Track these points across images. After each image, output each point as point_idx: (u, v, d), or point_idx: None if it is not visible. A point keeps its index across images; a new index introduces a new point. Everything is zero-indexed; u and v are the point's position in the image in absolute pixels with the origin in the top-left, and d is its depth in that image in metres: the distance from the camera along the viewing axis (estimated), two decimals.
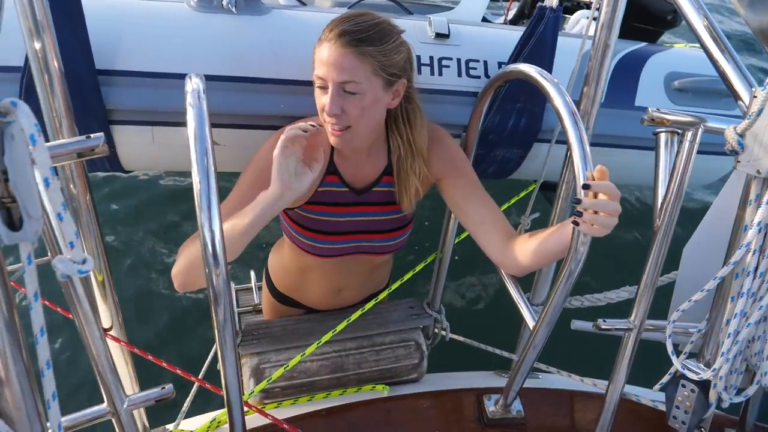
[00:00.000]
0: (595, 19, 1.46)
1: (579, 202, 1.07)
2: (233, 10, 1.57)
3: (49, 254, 0.91)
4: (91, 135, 0.92)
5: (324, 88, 1.29)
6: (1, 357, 0.67)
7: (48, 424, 0.76)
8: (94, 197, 1.32)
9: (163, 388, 1.07)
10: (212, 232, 0.91)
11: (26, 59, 1.35)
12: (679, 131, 1.17)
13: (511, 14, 3.33)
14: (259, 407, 1.64)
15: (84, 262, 0.76)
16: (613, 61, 1.82)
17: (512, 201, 2.27)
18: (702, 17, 1.09)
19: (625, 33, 2.54)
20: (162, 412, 1.77)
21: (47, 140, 1.27)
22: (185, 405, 1.62)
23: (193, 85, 1.04)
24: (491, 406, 1.61)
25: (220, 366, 1.06)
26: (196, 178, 0.91)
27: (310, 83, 1.49)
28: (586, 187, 1.07)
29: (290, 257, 1.72)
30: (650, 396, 1.55)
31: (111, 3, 1.55)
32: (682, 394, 1.29)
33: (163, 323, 3.26)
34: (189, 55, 1.53)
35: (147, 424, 1.67)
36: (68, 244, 0.74)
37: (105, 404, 1.04)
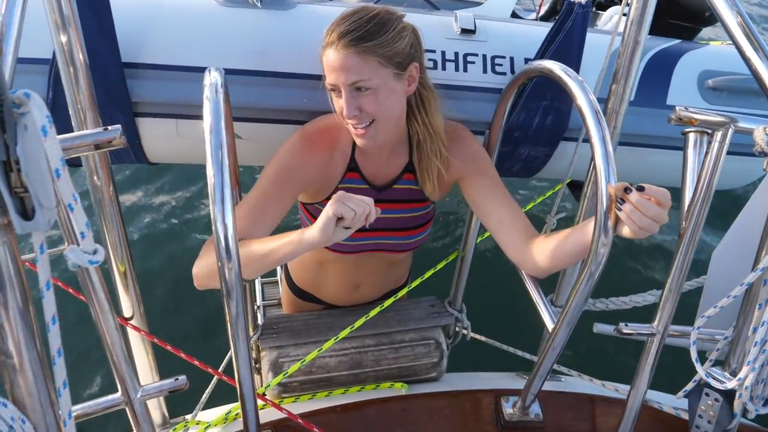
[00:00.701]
0: (625, 14, 1.42)
1: (629, 191, 1.05)
2: (258, 4, 1.58)
3: (65, 244, 0.93)
4: (110, 127, 0.92)
5: (337, 92, 1.29)
6: (15, 344, 0.68)
7: (60, 412, 0.77)
8: (117, 189, 1.33)
9: (177, 379, 1.08)
10: (225, 225, 0.91)
11: (54, 52, 1.37)
12: (709, 131, 1.13)
13: (543, 10, 3.28)
14: (277, 401, 1.65)
15: (95, 252, 0.77)
16: (644, 59, 1.78)
17: (538, 200, 2.24)
18: (735, 14, 1.05)
19: (661, 30, 2.50)
20: (184, 403, 1.79)
21: (72, 132, 1.29)
22: (204, 396, 1.63)
23: (212, 78, 1.04)
24: (509, 408, 1.59)
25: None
26: (210, 172, 0.92)
27: None
28: (641, 189, 1.06)
29: (309, 252, 1.71)
30: (673, 403, 1.51)
31: None
32: (705, 403, 1.26)
33: (189, 316, 3.30)
34: (214, 49, 1.54)
35: (167, 414, 1.69)
36: (80, 235, 0.74)
37: (119, 393, 1.05)
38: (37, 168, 0.63)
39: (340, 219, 1.11)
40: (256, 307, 2.43)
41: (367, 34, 1.24)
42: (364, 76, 1.25)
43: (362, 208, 1.11)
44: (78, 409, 1.03)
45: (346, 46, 1.23)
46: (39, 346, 0.73)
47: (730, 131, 1.07)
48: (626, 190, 1.06)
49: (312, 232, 1.15)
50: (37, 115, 0.63)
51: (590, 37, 1.64)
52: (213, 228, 0.92)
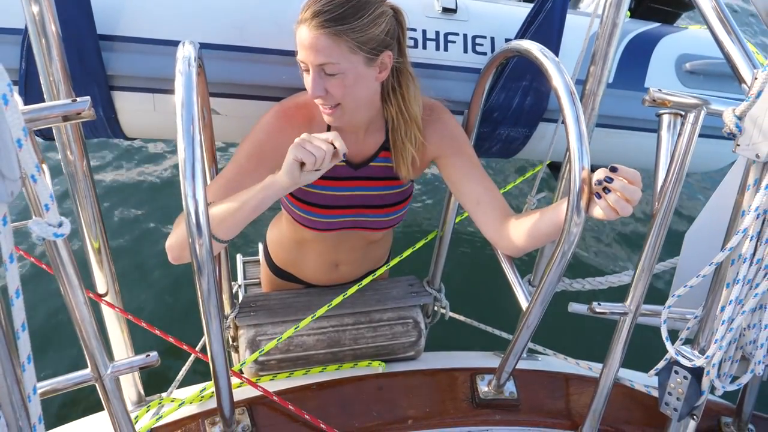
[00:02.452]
0: None
1: (611, 180, 1.06)
2: None
3: (33, 217, 0.91)
4: (78, 99, 0.91)
5: (307, 70, 1.27)
6: None
7: (25, 388, 0.76)
8: (90, 163, 1.32)
9: (148, 355, 1.08)
10: (196, 201, 0.90)
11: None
12: (682, 113, 1.14)
13: None
14: (254, 379, 1.65)
15: (60, 225, 0.77)
16: (624, 41, 1.78)
17: (518, 181, 2.25)
18: None
19: (643, 14, 2.50)
20: (161, 382, 1.79)
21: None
22: (180, 374, 1.64)
23: (185, 52, 1.03)
24: (484, 386, 1.61)
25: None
26: (181, 146, 0.91)
27: None
28: (614, 169, 1.07)
29: (288, 231, 1.72)
30: (644, 381, 1.54)
31: None
32: (674, 381, 1.28)
33: (170, 295, 3.28)
34: (192, 23, 1.52)
35: (142, 392, 1.69)
36: (44, 207, 0.74)
37: (89, 369, 1.04)
38: None
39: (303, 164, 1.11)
40: (237, 285, 2.43)
41: (340, 16, 1.20)
42: (333, 59, 1.22)
43: (320, 152, 1.10)
44: (45, 385, 1.03)
45: (317, 26, 1.20)
46: (3, 322, 0.72)
47: (703, 113, 1.08)
48: (606, 179, 1.07)
49: (280, 176, 1.15)
50: None
51: (571, 19, 1.64)
52: (183, 203, 0.91)
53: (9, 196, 0.64)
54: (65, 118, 0.90)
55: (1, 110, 0.62)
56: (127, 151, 4.23)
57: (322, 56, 1.22)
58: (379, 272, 1.80)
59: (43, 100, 1.25)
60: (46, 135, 1.49)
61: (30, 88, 1.43)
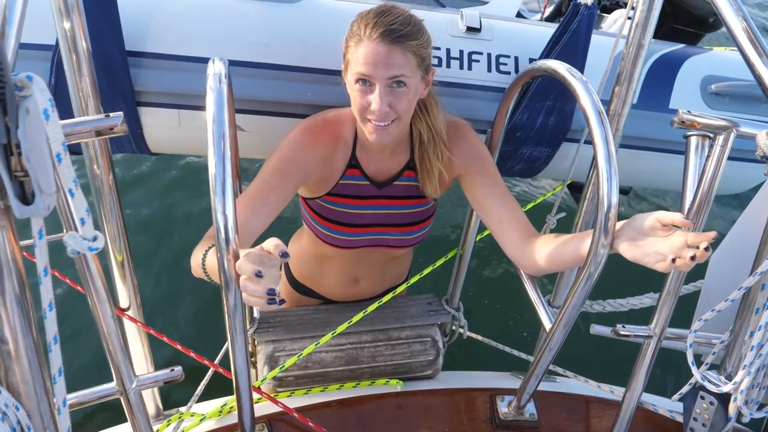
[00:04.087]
0: (630, 18, 1.42)
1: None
2: None
3: (64, 230, 0.92)
4: (111, 114, 0.92)
5: (367, 85, 1.28)
6: (11, 331, 0.68)
7: (54, 399, 0.77)
8: (117, 177, 1.33)
9: (172, 370, 1.08)
10: (225, 216, 0.91)
11: (57, 38, 1.36)
12: (711, 135, 1.13)
13: (548, 11, 3.28)
14: (272, 395, 1.65)
15: (95, 239, 0.77)
16: (648, 62, 1.78)
17: (539, 200, 2.24)
18: (740, 19, 1.05)
19: (666, 34, 2.50)
20: (179, 395, 1.79)
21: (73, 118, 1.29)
22: (199, 388, 1.63)
23: (216, 69, 1.04)
24: (504, 407, 1.59)
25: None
26: (211, 162, 0.91)
27: (337, 72, 1.49)
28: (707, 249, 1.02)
29: (309, 246, 1.72)
30: (668, 406, 1.52)
31: None
32: (700, 406, 1.26)
33: (187, 308, 3.29)
34: (219, 40, 1.54)
35: (161, 406, 1.69)
36: (80, 221, 0.74)
37: (114, 383, 1.04)
38: (37, 152, 0.62)
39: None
40: None
41: (410, 33, 1.25)
42: (405, 72, 1.26)
43: (256, 298, 0.91)
44: (73, 397, 1.03)
45: (392, 41, 1.23)
46: (35, 333, 0.73)
47: (732, 135, 1.07)
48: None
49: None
50: (39, 99, 0.62)
51: (595, 39, 1.64)
52: (213, 218, 0.91)
53: (46, 209, 0.64)
54: (98, 133, 0.91)
55: (41, 125, 0.63)
56: (152, 165, 4.26)
57: (396, 69, 1.25)
58: (399, 290, 1.80)
59: (71, 115, 1.26)
60: (73, 150, 1.51)
61: (60, 103, 1.44)
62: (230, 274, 0.94)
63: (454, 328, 2.06)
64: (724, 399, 1.22)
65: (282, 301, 0.90)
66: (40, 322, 0.71)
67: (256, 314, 1.79)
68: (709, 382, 1.19)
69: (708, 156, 1.13)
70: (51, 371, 0.76)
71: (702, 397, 1.25)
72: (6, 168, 0.60)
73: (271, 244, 0.91)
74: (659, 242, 1.07)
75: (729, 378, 1.21)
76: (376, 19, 1.25)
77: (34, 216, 0.64)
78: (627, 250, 1.12)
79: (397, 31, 1.24)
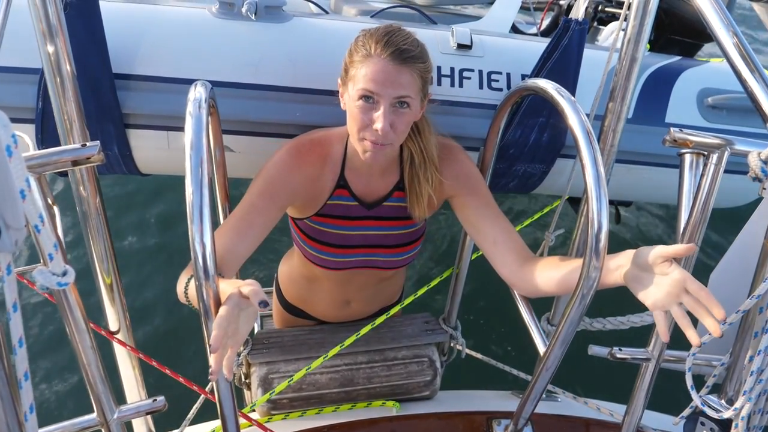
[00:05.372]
0: (623, 30, 1.40)
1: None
2: (253, 17, 1.56)
3: (40, 262, 0.90)
4: (88, 143, 0.90)
5: (371, 103, 1.25)
6: None
7: None
8: (104, 200, 1.32)
9: (155, 400, 1.06)
10: (203, 245, 0.89)
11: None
12: (705, 153, 1.11)
13: (545, 24, 3.26)
14: (266, 418, 1.62)
15: (65, 274, 0.75)
16: (643, 76, 1.76)
17: (536, 216, 2.22)
18: (731, 34, 1.03)
19: (663, 46, 2.48)
20: (172, 418, 1.76)
21: (61, 143, 1.28)
22: (190, 414, 1.60)
23: (196, 93, 1.02)
24: None
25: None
26: (189, 189, 0.89)
27: (326, 92, 1.47)
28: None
29: (299, 267, 1.70)
30: (669, 428, 1.48)
31: (132, 8, 1.56)
32: None
33: (179, 330, 3.26)
34: (207, 62, 1.53)
35: (153, 429, 1.66)
36: (48, 256, 0.72)
37: (95, 414, 1.02)
38: (3, 188, 0.61)
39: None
40: None
41: (419, 55, 1.25)
42: (411, 93, 1.25)
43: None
44: (51, 430, 1.01)
45: (402, 61, 1.22)
46: (7, 369, 0.71)
47: (726, 153, 1.05)
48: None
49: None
50: (2, 135, 0.61)
51: (588, 53, 1.62)
52: (191, 247, 0.89)
53: (13, 245, 0.62)
54: (75, 163, 0.89)
55: (4, 162, 0.61)
56: (140, 187, 4.25)
57: (403, 89, 1.23)
58: (393, 311, 1.77)
59: (57, 138, 1.25)
60: (61, 172, 1.50)
61: (46, 127, 1.44)
62: (208, 303, 0.92)
63: (452, 346, 2.02)
64: (725, 425, 1.19)
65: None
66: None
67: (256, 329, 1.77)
68: (710, 407, 1.16)
69: (702, 174, 1.10)
70: (23, 407, 0.74)
71: (702, 423, 1.22)
72: None
73: (250, 289, 0.89)
74: (661, 279, 1.06)
75: (730, 402, 1.18)
76: (386, 38, 1.24)
77: (1, 252, 0.63)
78: (632, 287, 1.13)
79: (408, 52, 1.23)
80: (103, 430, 1.04)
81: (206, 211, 0.89)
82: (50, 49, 1.15)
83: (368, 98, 1.25)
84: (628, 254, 1.15)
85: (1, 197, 0.61)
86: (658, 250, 1.06)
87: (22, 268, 1.22)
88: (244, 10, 1.55)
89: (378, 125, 1.24)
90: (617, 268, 1.17)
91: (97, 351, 0.99)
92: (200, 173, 0.90)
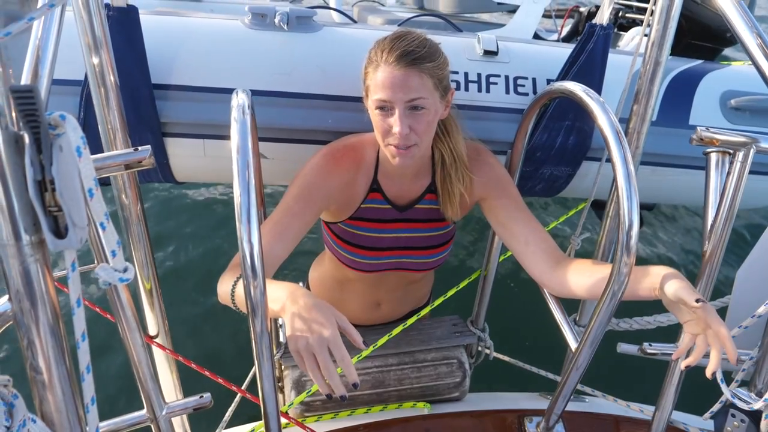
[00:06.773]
0: (646, 35, 1.43)
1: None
2: (285, 27, 1.61)
3: (95, 262, 0.95)
4: (139, 148, 0.95)
5: (387, 110, 1.29)
6: (45, 361, 0.70)
7: (87, 428, 0.78)
8: (144, 207, 1.36)
9: (202, 396, 1.09)
10: (251, 244, 0.93)
11: (86, 73, 1.41)
12: (731, 151, 1.13)
13: (565, 31, 3.29)
14: (299, 420, 1.65)
15: (125, 270, 0.79)
16: (666, 79, 1.78)
17: (561, 219, 2.24)
18: (755, 35, 1.06)
19: (683, 50, 2.50)
20: (206, 422, 1.80)
21: (102, 151, 1.33)
22: (227, 414, 1.65)
23: (239, 100, 1.06)
24: (532, 429, 1.58)
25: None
26: (237, 191, 0.93)
27: (357, 99, 1.51)
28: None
29: (330, 271, 1.74)
30: (699, 425, 1.49)
31: (168, 20, 1.61)
32: (731, 424, 1.24)
33: (214, 334, 3.32)
34: (241, 71, 1.58)
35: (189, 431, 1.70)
36: (111, 253, 0.76)
37: (144, 410, 1.06)
38: (70, 188, 0.64)
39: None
40: (278, 324, 2.45)
41: (425, 55, 1.27)
42: (423, 94, 1.27)
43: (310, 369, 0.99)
44: (105, 425, 1.05)
45: (408, 64, 1.25)
46: (68, 363, 0.75)
47: (752, 151, 1.07)
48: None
49: (279, 311, 1.07)
50: (72, 136, 0.65)
51: (612, 57, 1.65)
52: (239, 246, 0.93)
53: (78, 242, 0.66)
54: (127, 167, 0.94)
55: (74, 162, 0.66)
56: (178, 194, 4.34)
57: (414, 92, 1.26)
58: (423, 312, 1.80)
59: (99, 148, 1.30)
60: (102, 181, 1.55)
61: (88, 136, 1.49)
62: (256, 300, 0.96)
63: (480, 349, 2.05)
64: (755, 416, 1.20)
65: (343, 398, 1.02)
66: (72, 351, 0.73)
67: (282, 339, 1.80)
68: (740, 399, 1.18)
69: (729, 172, 1.13)
70: (84, 400, 0.77)
71: (733, 415, 1.23)
72: (40, 203, 0.62)
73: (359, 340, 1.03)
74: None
75: (759, 395, 1.20)
76: (392, 44, 1.28)
77: (68, 249, 0.66)
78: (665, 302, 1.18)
79: (413, 54, 1.26)
80: (152, 425, 1.08)
81: (254, 212, 0.93)
82: (95, 60, 1.20)
83: (383, 107, 1.29)
84: (657, 272, 1.19)
85: (69, 197, 0.65)
86: (679, 296, 1.12)
87: (84, 267, 1.28)
88: (276, 20, 1.60)
89: (396, 129, 1.28)
90: (646, 276, 1.20)
91: (146, 349, 1.03)
92: (247, 175, 0.94)
